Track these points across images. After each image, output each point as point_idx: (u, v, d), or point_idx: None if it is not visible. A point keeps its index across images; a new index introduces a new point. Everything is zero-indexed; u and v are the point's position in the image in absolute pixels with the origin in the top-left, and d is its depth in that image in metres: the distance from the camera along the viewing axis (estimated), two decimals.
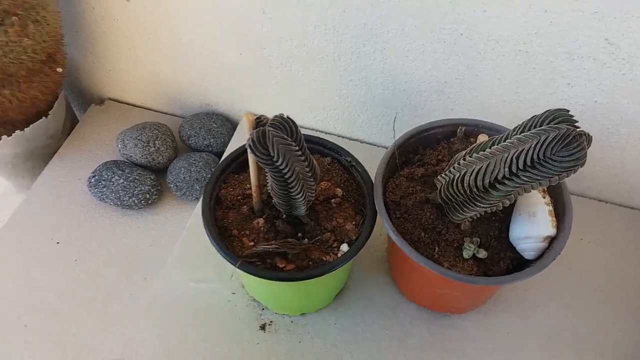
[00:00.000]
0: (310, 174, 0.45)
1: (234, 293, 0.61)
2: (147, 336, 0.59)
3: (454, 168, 0.44)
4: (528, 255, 0.47)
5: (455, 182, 0.44)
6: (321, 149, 0.57)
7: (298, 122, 0.78)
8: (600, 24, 0.51)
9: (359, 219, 0.53)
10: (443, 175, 0.46)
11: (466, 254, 0.48)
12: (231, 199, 0.53)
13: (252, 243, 0.51)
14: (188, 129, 0.77)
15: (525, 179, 0.39)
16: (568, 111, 0.39)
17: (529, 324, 0.59)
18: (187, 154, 0.74)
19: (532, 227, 0.47)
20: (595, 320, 0.60)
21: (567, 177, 0.38)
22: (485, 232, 0.49)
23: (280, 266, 0.49)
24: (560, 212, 0.49)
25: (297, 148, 0.43)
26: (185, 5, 0.66)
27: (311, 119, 0.76)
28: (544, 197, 0.49)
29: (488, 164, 0.40)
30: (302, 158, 0.44)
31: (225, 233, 0.51)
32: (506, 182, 0.40)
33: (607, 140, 0.62)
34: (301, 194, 0.46)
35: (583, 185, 0.69)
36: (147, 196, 0.71)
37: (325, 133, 0.78)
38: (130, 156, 0.74)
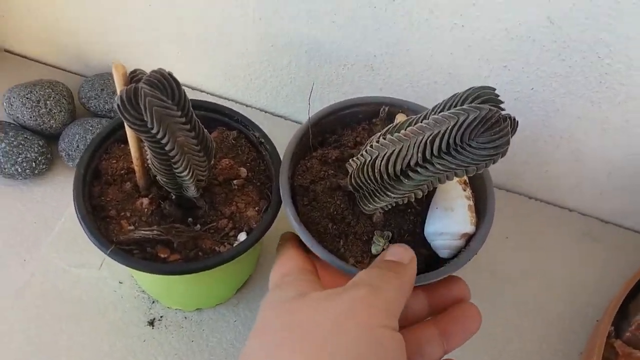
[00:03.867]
0: (198, 147, 0.38)
1: (121, 282, 0.53)
2: (13, 328, 0.50)
3: (366, 151, 0.38)
4: (443, 253, 0.42)
5: (365, 167, 0.37)
6: (227, 120, 0.50)
7: (216, 91, 0.71)
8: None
9: (263, 205, 0.46)
10: (354, 159, 0.40)
11: (375, 249, 0.42)
12: (113, 173, 0.45)
13: (132, 227, 0.43)
14: (88, 90, 0.67)
15: (439, 167, 0.33)
16: (494, 89, 0.32)
17: None
18: (84, 119, 0.65)
19: (448, 222, 0.41)
20: (514, 325, 0.56)
21: (486, 167, 0.32)
22: (398, 225, 0.43)
23: (163, 256, 0.42)
24: (481, 208, 0.43)
25: (179, 114, 0.35)
26: None
27: (231, 88, 0.68)
28: (465, 190, 0.43)
29: (401, 148, 0.34)
30: (187, 127, 0.36)
31: (101, 213, 0.43)
32: (419, 169, 0.34)
33: (541, 134, 0.58)
34: (187, 170, 0.38)
35: (513, 180, 0.65)
36: (34, 165, 0.62)
37: (247, 106, 0.70)
38: (17, 117, 0.64)
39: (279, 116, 0.70)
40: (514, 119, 0.32)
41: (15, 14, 0.69)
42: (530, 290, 0.59)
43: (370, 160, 0.37)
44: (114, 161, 0.46)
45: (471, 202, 0.42)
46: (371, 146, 0.37)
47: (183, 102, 0.35)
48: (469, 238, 0.42)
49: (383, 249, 0.41)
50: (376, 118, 0.49)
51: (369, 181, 0.38)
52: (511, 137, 0.31)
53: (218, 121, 0.50)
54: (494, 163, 0.32)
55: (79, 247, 0.55)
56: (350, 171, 0.41)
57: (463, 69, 0.54)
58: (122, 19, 0.64)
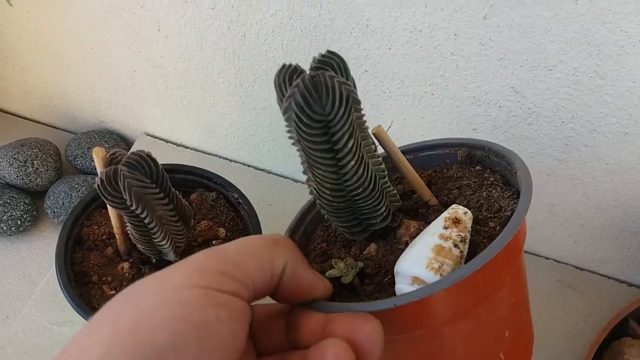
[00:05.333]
0: (175, 218, 0.40)
1: None
2: None
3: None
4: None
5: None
6: (206, 182, 0.51)
7: (200, 146, 0.74)
8: (507, 72, 0.49)
9: None
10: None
11: (328, 272, 0.36)
12: (94, 239, 0.47)
13: (113, 292, 0.44)
14: (75, 148, 0.69)
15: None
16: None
17: None
18: (70, 177, 0.66)
19: (404, 260, 0.33)
20: None
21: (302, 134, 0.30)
22: (385, 264, 0.37)
23: None
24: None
25: (157, 190, 0.37)
26: (70, 13, 0.59)
27: (214, 145, 0.71)
28: (447, 228, 0.33)
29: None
30: (164, 201, 0.38)
31: (83, 279, 0.45)
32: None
33: None
34: (166, 240, 0.40)
35: None
36: (19, 222, 0.63)
37: (231, 160, 0.72)
38: (4, 176, 0.65)
39: (262, 170, 0.72)
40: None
41: (4, 75, 0.72)
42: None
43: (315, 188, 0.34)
44: (96, 227, 0.47)
45: (445, 244, 0.32)
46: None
47: (161, 179, 0.37)
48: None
49: (341, 277, 0.36)
50: None
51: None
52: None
53: (198, 183, 0.52)
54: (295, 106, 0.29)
55: (61, 304, 0.56)
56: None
57: (434, 131, 0.56)
58: (108, 83, 0.67)
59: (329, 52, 0.32)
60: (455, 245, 0.33)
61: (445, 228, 0.34)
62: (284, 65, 0.31)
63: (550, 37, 0.45)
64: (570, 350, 0.59)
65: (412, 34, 0.48)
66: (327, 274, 0.36)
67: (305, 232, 0.43)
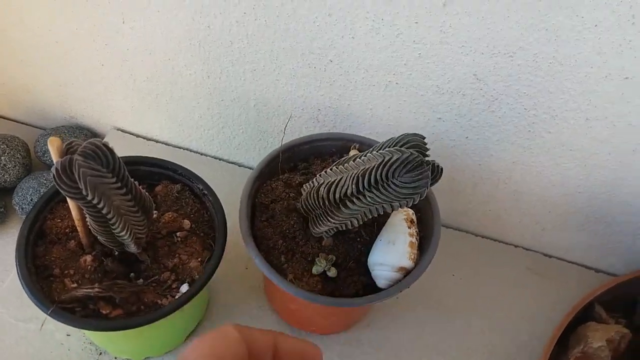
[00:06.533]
0: (135, 208, 0.40)
1: (68, 335, 0.54)
2: None
3: (316, 179, 0.42)
4: (380, 283, 0.45)
5: (312, 192, 0.42)
6: (171, 174, 0.51)
7: (171, 140, 0.73)
8: (468, 59, 0.49)
9: (206, 255, 0.48)
10: (307, 184, 0.44)
11: (315, 269, 0.45)
12: (57, 232, 0.46)
13: (75, 285, 0.44)
14: (44, 144, 0.68)
15: (369, 199, 0.37)
16: (422, 137, 0.38)
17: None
18: (39, 173, 0.66)
19: (388, 254, 0.45)
20: None
21: (407, 205, 0.36)
22: (345, 251, 0.47)
23: (105, 312, 0.43)
24: (425, 245, 0.47)
25: (113, 180, 0.37)
26: (34, 5, 0.58)
27: (184, 138, 0.70)
28: (410, 228, 0.47)
29: (340, 179, 0.39)
30: (123, 191, 0.38)
31: (44, 272, 0.44)
32: (354, 199, 0.38)
33: (480, 177, 0.60)
34: (125, 231, 0.40)
35: (459, 218, 0.68)
36: None
37: (201, 154, 0.72)
38: None
39: (232, 163, 0.71)
40: (437, 166, 0.36)
41: None
42: (477, 325, 0.60)
43: (316, 186, 0.41)
44: (59, 220, 0.47)
45: (414, 240, 0.46)
46: (321, 175, 0.41)
47: (118, 168, 0.37)
48: (406, 272, 0.45)
49: (324, 271, 0.45)
50: (346, 153, 0.52)
51: (314, 205, 0.42)
52: (435, 182, 0.36)
53: (162, 175, 0.51)
54: (414, 202, 0.36)
55: (27, 300, 0.55)
56: (303, 195, 0.44)
57: (400, 121, 0.57)
58: (76, 77, 0.66)
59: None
60: (416, 238, 0.47)
61: (409, 227, 0.46)
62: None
63: (509, 23, 0.45)
64: (538, 335, 0.60)
65: (374, 22, 0.48)
66: (313, 270, 0.45)
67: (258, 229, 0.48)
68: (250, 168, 0.71)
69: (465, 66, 0.50)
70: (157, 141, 0.72)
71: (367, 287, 0.47)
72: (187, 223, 0.49)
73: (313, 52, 0.53)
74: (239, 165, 0.71)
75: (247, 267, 0.60)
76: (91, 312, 0.43)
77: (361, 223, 0.41)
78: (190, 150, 0.72)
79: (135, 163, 0.50)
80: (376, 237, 0.48)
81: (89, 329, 0.41)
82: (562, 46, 0.46)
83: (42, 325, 0.53)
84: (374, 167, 0.36)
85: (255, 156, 0.69)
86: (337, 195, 0.39)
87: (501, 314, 0.62)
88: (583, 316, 0.57)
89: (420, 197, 0.36)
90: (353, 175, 0.38)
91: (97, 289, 0.42)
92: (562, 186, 0.59)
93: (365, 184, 0.37)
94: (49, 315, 0.41)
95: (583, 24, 0.44)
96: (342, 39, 0.51)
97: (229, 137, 0.68)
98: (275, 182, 0.51)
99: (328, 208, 0.41)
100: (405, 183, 0.35)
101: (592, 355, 0.51)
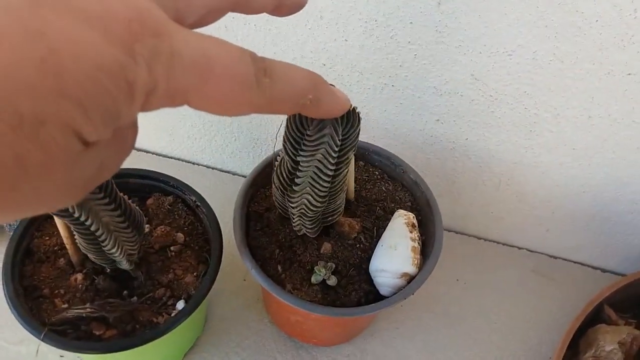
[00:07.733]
0: (125, 224, 0.38)
1: (62, 356, 0.52)
2: None
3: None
4: (383, 290, 0.43)
5: (273, 187, 0.41)
6: (162, 186, 0.50)
7: (162, 151, 0.71)
8: (466, 59, 0.48)
9: (202, 269, 0.46)
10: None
11: (314, 278, 0.43)
12: (45, 250, 0.45)
13: (65, 305, 0.42)
14: None
15: (302, 163, 0.37)
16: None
17: None
18: None
19: (390, 260, 0.42)
20: None
21: (334, 152, 0.35)
22: (345, 259, 0.45)
23: (98, 333, 0.41)
24: (428, 251, 0.45)
25: (101, 195, 0.35)
26: None
27: (175, 148, 0.69)
28: (411, 232, 0.45)
29: (281, 159, 0.39)
30: (110, 207, 0.36)
31: (33, 293, 0.43)
32: (296, 172, 0.38)
33: (481, 178, 0.59)
34: (115, 248, 0.38)
35: (462, 221, 0.66)
36: None
37: (194, 164, 0.70)
38: None
39: (226, 172, 0.70)
40: (355, 110, 0.35)
41: None
42: (483, 330, 0.59)
43: (273, 179, 0.41)
44: (47, 238, 0.45)
45: (416, 244, 0.44)
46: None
47: (105, 182, 0.35)
48: (410, 279, 0.43)
49: (324, 279, 0.43)
50: None
51: (281, 198, 0.41)
52: (353, 127, 0.35)
53: (153, 187, 0.50)
54: (345, 148, 0.36)
55: (13, 318, 0.53)
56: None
57: (398, 123, 0.55)
58: None
59: None
60: (418, 243, 0.45)
61: (410, 232, 0.44)
62: None
63: (507, 21, 0.44)
64: (547, 341, 0.59)
65: (368, 23, 0.47)
66: (312, 279, 0.43)
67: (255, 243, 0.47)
68: (244, 176, 0.69)
69: (462, 66, 0.48)
70: (147, 152, 0.70)
71: (370, 294, 0.45)
72: (180, 236, 0.47)
73: (305, 55, 0.52)
74: (233, 174, 0.70)
75: (245, 279, 0.58)
76: (83, 333, 0.41)
77: (321, 200, 0.39)
78: (182, 160, 0.70)
79: (124, 176, 0.48)
80: (376, 242, 0.46)
81: (81, 352, 0.39)
82: (562, 43, 0.44)
83: (38, 350, 0.51)
84: (287, 124, 0.36)
85: (249, 164, 0.68)
86: (284, 174, 0.39)
87: (508, 319, 0.60)
88: (592, 318, 0.55)
89: (351, 144, 0.36)
90: (283, 148, 0.38)
91: (89, 309, 0.40)
92: (566, 186, 0.58)
93: (290, 148, 0.37)
94: (42, 340, 0.39)
95: (583, 19, 0.42)
96: (335, 41, 0.49)
97: (221, 146, 0.66)
98: (269, 190, 0.49)
99: (286, 194, 0.40)
100: (317, 127, 0.35)
101: (604, 359, 0.50)
